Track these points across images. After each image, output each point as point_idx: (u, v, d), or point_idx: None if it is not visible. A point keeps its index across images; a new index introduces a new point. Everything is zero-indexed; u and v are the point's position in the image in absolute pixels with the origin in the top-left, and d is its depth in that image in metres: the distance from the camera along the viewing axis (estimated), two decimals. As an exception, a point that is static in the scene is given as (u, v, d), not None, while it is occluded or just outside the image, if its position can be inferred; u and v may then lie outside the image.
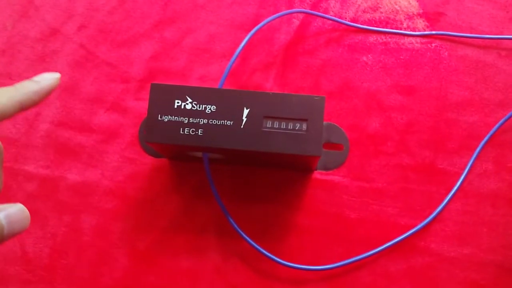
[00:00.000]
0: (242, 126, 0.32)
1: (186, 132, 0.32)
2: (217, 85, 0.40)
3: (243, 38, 0.40)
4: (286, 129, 0.32)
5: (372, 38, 0.42)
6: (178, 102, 0.33)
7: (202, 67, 0.42)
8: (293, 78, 0.42)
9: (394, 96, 0.41)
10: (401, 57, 0.42)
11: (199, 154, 0.37)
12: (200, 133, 0.32)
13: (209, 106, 0.33)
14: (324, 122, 0.40)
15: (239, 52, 0.39)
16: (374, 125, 0.40)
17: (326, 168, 0.40)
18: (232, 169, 0.39)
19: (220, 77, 0.40)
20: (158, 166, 0.40)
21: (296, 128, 0.32)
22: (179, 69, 0.42)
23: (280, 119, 0.32)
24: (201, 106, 0.33)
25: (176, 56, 0.42)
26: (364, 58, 0.42)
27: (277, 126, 0.32)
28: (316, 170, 0.40)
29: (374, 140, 0.40)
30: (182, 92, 0.33)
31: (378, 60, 0.42)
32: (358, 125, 0.40)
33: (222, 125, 0.32)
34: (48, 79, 0.24)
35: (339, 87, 0.41)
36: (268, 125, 0.32)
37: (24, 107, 0.23)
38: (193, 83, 0.41)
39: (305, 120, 0.32)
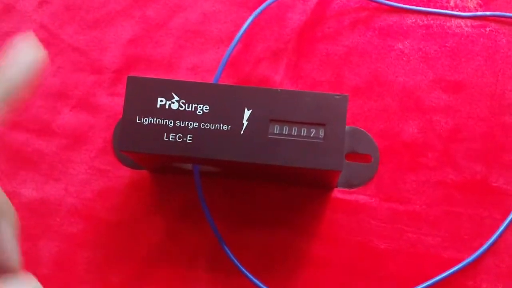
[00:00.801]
0: (242, 132, 0.32)
1: (172, 138, 0.33)
2: (212, 79, 0.40)
3: (247, 18, 0.41)
4: (299, 136, 0.32)
5: (410, 19, 0.43)
6: (161, 101, 0.33)
7: (194, 55, 0.42)
8: (309, 70, 0.42)
9: (437, 94, 0.41)
10: (447, 45, 0.42)
11: (189, 166, 0.37)
12: (189, 140, 0.33)
13: (201, 105, 0.33)
14: (347, 127, 0.40)
15: (241, 36, 0.40)
16: (411, 131, 0.40)
17: (349, 185, 0.40)
18: (229, 185, 0.40)
19: (217, 68, 0.40)
20: (137, 180, 0.40)
21: (311, 135, 0.32)
22: (165, 58, 0.42)
23: (290, 123, 0.33)
24: (191, 105, 0.33)
25: (161, 40, 0.43)
26: (400, 46, 0.42)
27: (286, 132, 0.33)
28: (336, 187, 0.40)
29: (410, 150, 0.40)
30: (167, 88, 0.33)
31: (418, 48, 0.42)
32: (390, 130, 0.41)
33: (217, 130, 0.33)
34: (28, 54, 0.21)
35: (367, 82, 0.42)
36: (275, 131, 0.33)
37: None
38: (182, 75, 0.42)
39: (322, 124, 0.32)
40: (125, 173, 0.41)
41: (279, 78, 0.42)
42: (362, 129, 0.41)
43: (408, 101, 0.41)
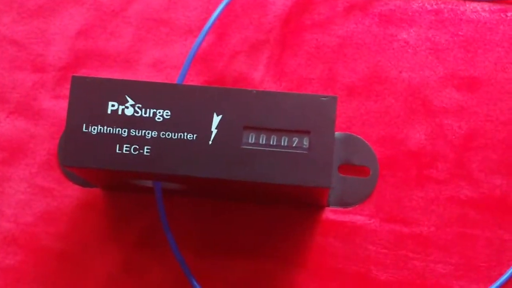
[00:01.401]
0: (210, 142, 0.32)
1: (126, 150, 0.32)
2: (176, 78, 0.40)
3: (219, 3, 0.40)
4: (278, 146, 0.32)
5: (416, 4, 0.43)
6: (113, 105, 0.33)
7: (157, 48, 0.42)
8: (295, 65, 0.42)
9: (448, 92, 0.41)
10: (460, 33, 0.42)
11: (149, 183, 0.37)
12: (147, 152, 0.33)
13: (161, 111, 0.33)
14: (340, 134, 0.40)
15: (213, 25, 0.40)
16: (417, 138, 0.40)
17: (343, 203, 0.40)
18: (197, 205, 0.40)
19: (183, 63, 0.40)
20: (88, 200, 0.40)
21: (294, 145, 0.32)
22: (122, 52, 0.42)
23: (268, 131, 0.33)
24: (148, 111, 0.33)
25: (117, 31, 0.43)
26: (404, 35, 0.42)
27: (264, 142, 0.33)
28: (328, 206, 0.40)
29: (417, 160, 0.40)
30: (120, 89, 0.33)
31: (426, 38, 0.42)
32: (392, 137, 0.40)
33: (181, 140, 0.32)
34: None
35: (364, 79, 0.41)
36: (250, 141, 0.33)
37: None
38: (143, 73, 0.42)
39: (306, 132, 0.32)
40: (73, 192, 0.40)
41: (259, 76, 0.42)
42: (358, 135, 0.41)
43: (414, 101, 0.41)
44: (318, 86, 0.41)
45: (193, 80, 0.41)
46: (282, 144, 0.33)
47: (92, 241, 0.40)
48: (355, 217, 0.40)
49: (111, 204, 0.40)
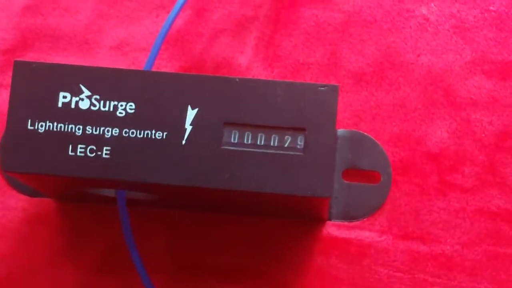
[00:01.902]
0: (184, 142, 0.32)
1: (80, 152, 0.32)
2: (144, 63, 0.39)
3: (197, -28, 0.41)
4: (267, 146, 0.32)
5: (437, -28, 0.42)
6: (65, 97, 0.33)
7: (121, 26, 0.42)
8: (290, 48, 0.42)
9: (477, 80, 0.41)
10: (492, 9, 0.42)
11: (111, 191, 0.37)
12: (106, 154, 0.32)
13: (124, 103, 0.32)
14: (345, 131, 0.40)
15: None
16: (439, 136, 0.40)
17: (349, 216, 0.40)
18: (169, 219, 0.40)
19: (152, 44, 0.39)
20: (36, 213, 0.40)
21: (286, 146, 0.32)
22: (79, 32, 0.42)
23: (255, 128, 0.32)
24: (108, 103, 0.33)
25: (72, 6, 0.43)
26: (423, 10, 0.42)
27: (249, 142, 0.32)
28: (330, 220, 0.39)
29: (438, 163, 0.40)
30: (74, 77, 0.33)
31: (450, 14, 0.42)
32: (409, 135, 0.40)
33: (147, 139, 0.32)
34: None
35: (375, 64, 0.41)
36: (232, 140, 0.32)
37: None
38: (103, 57, 0.42)
39: (301, 130, 0.32)
40: (18, 203, 0.40)
41: (246, 61, 0.42)
42: (366, 133, 0.40)
43: (435, 91, 0.41)
44: (318, 73, 0.41)
45: (165, 66, 0.41)
46: (272, 144, 0.32)
47: (43, 263, 0.40)
48: (363, 233, 0.40)
49: (66, 218, 0.40)
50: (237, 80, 0.33)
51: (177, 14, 0.39)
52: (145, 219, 0.39)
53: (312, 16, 0.42)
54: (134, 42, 0.42)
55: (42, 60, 0.40)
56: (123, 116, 0.32)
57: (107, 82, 0.33)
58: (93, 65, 0.34)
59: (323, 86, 0.32)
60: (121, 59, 0.42)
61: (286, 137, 0.32)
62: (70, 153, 0.32)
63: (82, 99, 0.33)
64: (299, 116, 0.32)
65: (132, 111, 0.32)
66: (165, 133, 0.32)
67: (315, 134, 0.32)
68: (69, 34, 0.42)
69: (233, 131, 0.32)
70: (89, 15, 0.42)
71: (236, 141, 0.32)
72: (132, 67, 0.41)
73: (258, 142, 0.32)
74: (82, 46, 0.42)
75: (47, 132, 0.32)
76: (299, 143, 0.32)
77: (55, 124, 0.32)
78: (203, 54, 0.42)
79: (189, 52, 0.42)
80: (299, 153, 0.32)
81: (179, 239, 0.40)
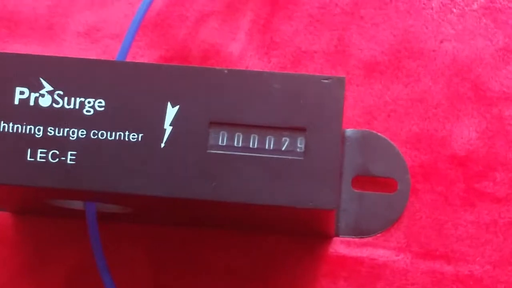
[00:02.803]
0: (163, 145, 0.32)
1: (41, 157, 0.32)
2: (115, 52, 0.39)
3: None
4: (261, 150, 0.32)
5: None
6: (22, 92, 0.33)
7: (91, 9, 0.42)
8: (290, 33, 0.42)
9: (510, 70, 0.41)
10: (528, -14, 0.42)
11: (78, 204, 0.37)
12: (71, 160, 0.32)
13: (92, 100, 0.32)
14: (356, 131, 0.40)
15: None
16: (465, 136, 0.40)
17: (359, 232, 0.40)
18: (148, 235, 0.40)
19: (126, 30, 0.39)
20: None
21: (283, 149, 0.32)
22: (41, 15, 0.42)
23: (246, 128, 0.32)
24: (74, 100, 0.33)
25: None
26: (446, -11, 0.42)
27: (239, 145, 0.32)
28: (337, 235, 0.39)
29: (465, 169, 0.40)
30: (33, 69, 0.33)
31: (477, -7, 0.42)
32: (430, 136, 0.40)
33: (120, 142, 0.32)
34: None
35: (390, 52, 0.41)
36: (220, 142, 0.32)
37: None
38: (70, 46, 0.42)
39: (301, 130, 0.32)
40: None
41: (238, 49, 0.42)
42: (381, 134, 0.40)
43: (461, 84, 0.41)
44: (323, 62, 0.41)
45: (143, 56, 0.42)
46: (267, 146, 0.32)
47: (2, 286, 0.40)
48: (377, 251, 0.40)
49: (26, 235, 0.40)
50: (226, 71, 0.33)
51: (156, -6, 0.39)
52: (119, 236, 0.39)
53: (316, -5, 0.42)
54: (106, 27, 0.42)
55: (-3, 49, 0.41)
56: (91, 115, 0.32)
57: (72, 75, 0.33)
58: (58, 54, 0.34)
59: (327, 78, 0.32)
60: (90, 48, 0.42)
61: (283, 138, 0.32)
62: (28, 158, 0.32)
63: (43, 95, 0.33)
64: (299, 114, 0.32)
65: (102, 109, 0.32)
66: (140, 135, 0.32)
67: (317, 135, 0.32)
68: (29, 18, 0.42)
69: (221, 132, 0.32)
70: (53, -5, 0.42)
71: (224, 144, 0.32)
72: (104, 57, 0.41)
73: (251, 145, 0.32)
74: (45, 32, 0.42)
75: (1, 134, 0.32)
76: (299, 145, 0.32)
77: (11, 124, 0.32)
78: (187, 41, 0.42)
79: (171, 38, 0.42)
80: (299, 158, 0.32)
81: (159, 260, 0.40)
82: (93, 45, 0.42)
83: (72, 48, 0.42)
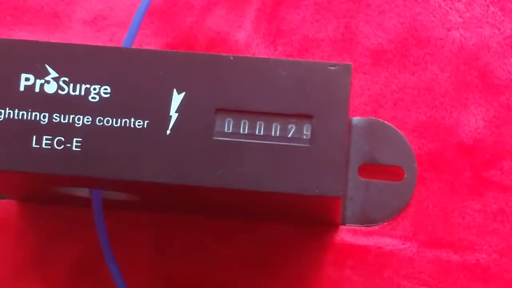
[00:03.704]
0: (168, 132, 0.32)
1: (46, 144, 0.32)
2: (122, 40, 0.39)
3: None
4: (267, 137, 0.32)
5: None
6: (27, 79, 0.33)
7: None
8: (297, 20, 0.42)
9: (518, 59, 0.41)
10: (536, -27, 0.42)
11: (84, 191, 0.37)
12: (77, 146, 0.32)
13: (97, 87, 0.32)
14: (362, 119, 0.40)
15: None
16: (473, 125, 0.40)
17: (366, 220, 0.40)
18: (154, 224, 0.40)
19: (132, 18, 0.39)
20: (-3, 216, 0.40)
21: (289, 136, 0.32)
22: (47, 2, 0.42)
23: (252, 115, 0.32)
24: (79, 87, 0.32)
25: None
26: (454, -24, 0.42)
27: (246, 132, 0.32)
28: (344, 224, 0.39)
29: (473, 157, 0.40)
30: (39, 56, 0.33)
31: (485, -20, 0.42)
32: (438, 124, 0.40)
33: (125, 129, 0.32)
34: None
35: (397, 39, 0.41)
36: (226, 129, 0.32)
37: None
38: (76, 33, 0.42)
39: (308, 117, 0.32)
40: None
41: (245, 37, 0.42)
42: (387, 122, 0.40)
43: (469, 72, 0.41)
44: (330, 50, 0.41)
45: (149, 43, 0.42)
46: (273, 133, 0.32)
47: (3, 276, 0.40)
48: (383, 239, 0.40)
49: (30, 223, 0.40)
50: (232, 58, 0.32)
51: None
52: (125, 224, 0.40)
53: (323, -17, 0.42)
54: (112, 15, 0.42)
55: (3, 37, 0.41)
56: (96, 102, 0.32)
57: (77, 61, 0.33)
58: (63, 42, 0.34)
59: (334, 65, 0.32)
60: (96, 36, 0.42)
61: (289, 125, 0.32)
62: (34, 145, 0.32)
63: (48, 82, 0.33)
64: (305, 101, 0.32)
65: (107, 95, 0.32)
66: (146, 122, 0.32)
67: (324, 122, 0.32)
68: (35, 6, 0.42)
69: (227, 119, 0.32)
70: (59, -17, 0.42)
71: (230, 131, 0.32)
72: (110, 45, 0.41)
73: (257, 132, 0.32)
74: (51, 20, 0.42)
75: (7, 120, 0.32)
76: (305, 132, 0.32)
77: (16, 111, 0.32)
78: (193, 29, 0.42)
79: (177, 26, 0.42)
80: (305, 145, 0.32)
81: (166, 249, 0.40)
82: (99, 33, 0.42)
83: (78, 36, 0.42)
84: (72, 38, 0.41)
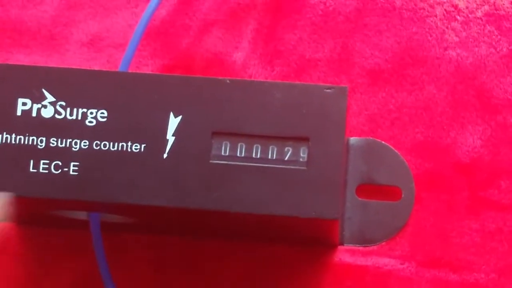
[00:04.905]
0: (165, 155, 0.32)
1: (44, 168, 0.32)
2: (119, 62, 0.39)
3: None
4: (264, 160, 0.32)
5: None
6: (24, 103, 0.33)
7: (94, 19, 0.42)
8: (294, 41, 0.42)
9: (516, 78, 0.41)
10: (533, -8, 0.42)
11: (82, 214, 0.37)
12: (74, 171, 0.32)
13: (94, 111, 0.33)
14: (360, 140, 0.40)
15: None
16: (470, 144, 0.40)
17: (364, 240, 0.39)
18: (153, 245, 0.39)
19: (130, 39, 0.39)
20: (-5, 239, 0.40)
21: (286, 159, 0.32)
22: (44, 25, 0.42)
23: (249, 138, 0.32)
24: (76, 111, 0.33)
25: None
26: (451, -5, 0.42)
27: (242, 155, 0.32)
28: (341, 244, 0.39)
29: (470, 176, 0.40)
30: (36, 80, 0.33)
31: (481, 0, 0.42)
32: (435, 144, 0.40)
33: (122, 152, 0.32)
34: None
35: (394, 59, 0.41)
36: (223, 152, 0.32)
37: None
38: (73, 56, 0.42)
39: (304, 139, 0.32)
40: None
41: (242, 58, 0.42)
42: (385, 142, 0.40)
43: (466, 91, 0.41)
44: (327, 71, 0.41)
45: (146, 65, 0.42)
46: (270, 156, 0.32)
47: (3, 298, 0.39)
48: (381, 259, 0.39)
49: (30, 245, 0.40)
50: (228, 81, 0.33)
51: (159, 3, 0.39)
52: (123, 246, 0.39)
53: (319, 3, 0.42)
54: (110, 36, 0.42)
55: (0, 59, 0.41)
56: (93, 126, 0.32)
57: (74, 85, 0.33)
58: (62, 64, 0.34)
59: (330, 88, 0.32)
60: (94, 57, 0.42)
61: (286, 148, 0.32)
62: (31, 169, 0.32)
63: (45, 106, 0.33)
64: (302, 124, 0.32)
65: (104, 119, 0.33)
66: (143, 145, 0.32)
67: (320, 145, 0.32)
68: (32, 28, 0.42)
69: (224, 142, 0.32)
70: (56, 6, 0.43)
71: (227, 154, 0.32)
72: (108, 66, 0.41)
73: (253, 155, 0.32)
74: (48, 42, 0.42)
75: (4, 145, 0.32)
76: (301, 155, 0.32)
77: (13, 136, 0.32)
78: (190, 50, 0.42)
79: (174, 48, 0.42)
80: (302, 167, 0.32)
81: (164, 270, 0.40)
82: (96, 55, 0.42)
83: (75, 57, 0.42)
84: (70, 60, 0.41)
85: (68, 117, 0.33)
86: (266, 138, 0.32)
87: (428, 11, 0.42)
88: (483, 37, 0.41)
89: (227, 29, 0.42)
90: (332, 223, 0.34)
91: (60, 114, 0.33)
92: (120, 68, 0.38)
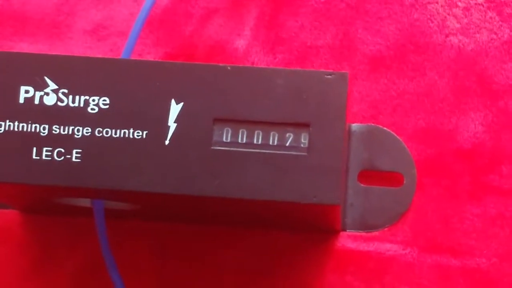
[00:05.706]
0: (167, 142, 0.32)
1: (46, 155, 0.32)
2: (122, 50, 0.39)
3: None
4: (265, 146, 0.32)
5: None
6: (27, 91, 0.33)
7: (97, 7, 0.42)
8: (296, 28, 0.42)
9: (517, 64, 0.41)
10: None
11: (86, 201, 0.37)
12: (76, 158, 0.32)
13: (96, 98, 0.32)
14: (361, 126, 0.40)
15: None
16: (472, 130, 0.40)
17: (366, 226, 0.39)
18: (157, 232, 0.40)
19: (132, 26, 0.39)
20: (0, 227, 0.40)
21: (287, 144, 0.32)
22: (47, 13, 0.42)
23: (250, 124, 0.32)
24: (78, 98, 0.33)
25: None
26: (452, -18, 0.42)
27: (244, 141, 0.32)
28: (344, 230, 0.39)
29: (471, 162, 0.40)
30: (38, 68, 0.33)
31: (483, -15, 0.42)
32: (437, 130, 0.40)
33: (124, 139, 0.32)
34: None
35: (396, 46, 0.41)
36: (224, 138, 0.32)
37: None
38: (76, 44, 0.42)
39: (305, 125, 0.32)
40: None
41: (244, 45, 0.42)
42: (386, 128, 0.40)
43: (468, 77, 0.41)
44: (329, 58, 0.41)
45: (149, 53, 0.42)
46: (271, 142, 0.32)
47: (8, 284, 0.40)
48: (383, 245, 0.39)
49: (33, 233, 0.40)
50: (229, 68, 0.33)
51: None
52: (127, 233, 0.39)
53: (321, -10, 0.42)
54: (113, 25, 0.42)
55: (4, 48, 0.41)
56: (95, 113, 0.32)
57: (76, 73, 0.33)
58: (65, 52, 0.34)
59: (330, 74, 0.32)
60: (97, 46, 0.42)
61: (287, 134, 0.32)
62: (34, 157, 0.32)
63: (47, 94, 0.33)
64: (303, 110, 0.32)
65: (106, 107, 0.32)
66: (145, 132, 0.32)
67: (321, 131, 0.32)
68: (35, 17, 0.42)
69: (225, 129, 0.32)
70: (59, -7, 0.42)
71: (228, 140, 0.32)
72: (110, 55, 0.41)
73: (255, 141, 0.32)
74: (51, 30, 0.42)
75: (7, 133, 0.32)
76: (302, 141, 0.32)
77: (16, 123, 0.32)
78: (193, 38, 0.42)
79: (177, 35, 0.42)
80: (302, 153, 0.32)
81: (167, 257, 0.40)
82: (99, 43, 0.42)
83: (78, 46, 0.42)
84: (73, 48, 0.42)
85: (71, 104, 0.32)
86: (267, 124, 0.32)
87: (429, -3, 0.42)
88: (485, 24, 0.41)
89: (229, 17, 0.42)
90: (334, 209, 0.33)
91: (62, 101, 0.33)
92: (122, 56, 0.37)
